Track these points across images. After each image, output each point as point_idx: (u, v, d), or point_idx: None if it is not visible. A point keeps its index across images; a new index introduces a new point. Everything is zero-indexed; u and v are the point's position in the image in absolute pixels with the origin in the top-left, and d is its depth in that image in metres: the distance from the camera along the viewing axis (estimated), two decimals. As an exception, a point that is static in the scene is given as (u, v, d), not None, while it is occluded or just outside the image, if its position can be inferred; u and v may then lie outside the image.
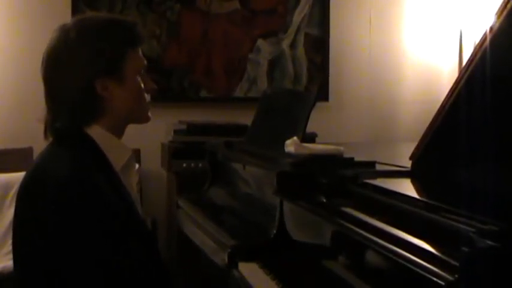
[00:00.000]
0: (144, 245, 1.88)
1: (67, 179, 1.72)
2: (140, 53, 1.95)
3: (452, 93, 1.90)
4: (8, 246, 3.84)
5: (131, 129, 2.00)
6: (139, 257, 1.82)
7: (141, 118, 1.98)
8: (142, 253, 1.84)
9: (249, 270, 2.20)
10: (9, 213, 3.94)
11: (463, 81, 1.87)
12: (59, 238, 1.68)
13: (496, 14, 1.79)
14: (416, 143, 2.04)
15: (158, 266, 1.89)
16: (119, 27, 1.92)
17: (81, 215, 1.69)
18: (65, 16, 4.55)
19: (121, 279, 1.73)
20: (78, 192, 1.70)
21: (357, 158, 2.34)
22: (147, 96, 1.97)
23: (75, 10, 4.58)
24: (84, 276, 1.69)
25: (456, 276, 1.31)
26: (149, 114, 1.98)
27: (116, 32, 1.90)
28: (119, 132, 1.92)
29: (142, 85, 1.93)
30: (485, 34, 1.79)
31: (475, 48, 1.85)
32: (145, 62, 1.96)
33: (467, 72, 1.86)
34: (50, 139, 1.90)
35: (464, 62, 4.72)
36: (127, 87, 1.88)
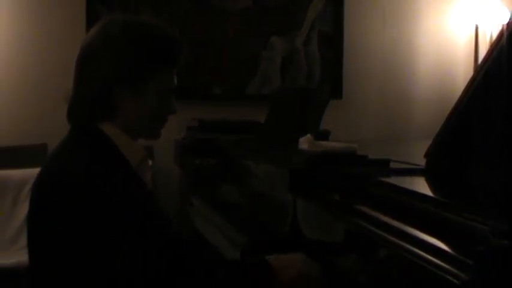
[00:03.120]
0: (171, 237, 1.86)
1: (89, 175, 1.71)
2: (174, 74, 1.90)
3: (468, 90, 1.89)
4: (22, 241, 3.87)
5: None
6: (167, 249, 1.80)
7: (148, 136, 1.94)
8: (169, 245, 1.82)
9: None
10: (23, 209, 3.97)
11: (479, 78, 1.85)
12: (83, 235, 1.67)
13: (513, 11, 1.78)
14: (431, 141, 2.03)
15: (183, 258, 1.87)
16: (163, 42, 1.86)
17: (105, 211, 1.68)
18: (79, 13, 4.57)
19: (148, 273, 1.71)
20: (101, 189, 1.69)
21: (371, 156, 2.33)
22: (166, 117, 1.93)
23: (89, 6, 4.60)
24: (109, 272, 1.68)
25: (471, 275, 1.30)
26: (160, 132, 1.95)
27: (157, 47, 1.85)
28: (131, 136, 1.89)
29: (162, 104, 1.88)
30: (501, 31, 1.78)
31: (491, 45, 1.83)
32: (174, 84, 1.91)
33: (483, 70, 1.85)
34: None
35: (480, 58, 4.72)
36: (143, 103, 1.85)
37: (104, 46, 1.82)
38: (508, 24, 1.78)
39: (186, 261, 1.82)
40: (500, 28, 1.79)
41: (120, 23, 1.85)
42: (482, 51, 4.89)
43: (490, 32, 4.92)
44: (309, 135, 2.50)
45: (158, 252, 1.75)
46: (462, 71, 5.14)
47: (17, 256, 3.77)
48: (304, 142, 2.48)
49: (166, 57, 1.88)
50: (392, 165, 2.27)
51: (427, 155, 2.04)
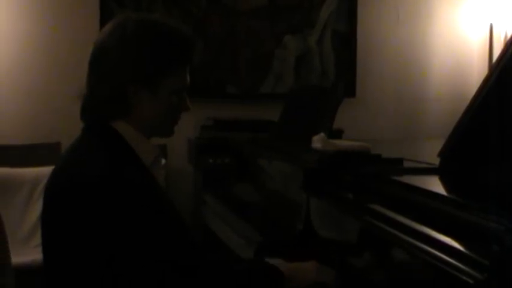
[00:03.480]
0: (183, 236, 1.86)
1: (105, 174, 1.71)
2: (187, 73, 1.90)
3: (482, 89, 1.88)
4: (37, 239, 3.88)
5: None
6: (181, 246, 1.80)
7: (162, 134, 1.94)
8: (183, 242, 1.83)
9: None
10: (38, 207, 3.98)
11: (493, 77, 1.85)
12: (101, 233, 1.67)
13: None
14: (445, 140, 2.02)
15: (197, 254, 1.87)
16: (177, 41, 1.86)
17: (123, 209, 1.68)
18: (92, 11, 4.59)
19: (162, 273, 1.71)
20: (117, 187, 1.69)
21: (384, 155, 2.33)
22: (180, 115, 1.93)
23: (102, 4, 4.61)
24: (126, 271, 1.68)
25: (486, 274, 1.30)
26: (173, 129, 1.95)
27: (171, 46, 1.84)
28: (145, 134, 1.89)
29: (176, 102, 1.88)
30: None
31: (506, 44, 1.82)
32: (188, 83, 1.90)
33: (498, 69, 1.84)
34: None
35: (494, 57, 4.69)
36: (157, 101, 1.84)
37: (118, 45, 1.82)
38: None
39: (199, 262, 1.82)
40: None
41: (135, 22, 1.85)
42: (497, 50, 4.86)
43: (505, 31, 4.89)
44: (322, 134, 2.50)
45: (172, 251, 1.74)
46: (476, 70, 5.12)
47: (32, 254, 3.78)
48: (318, 141, 2.48)
49: (181, 56, 1.88)
50: (406, 164, 2.26)
51: (440, 154, 2.03)
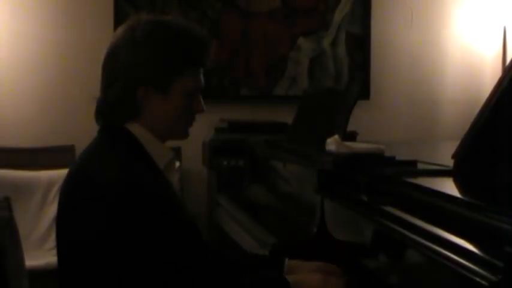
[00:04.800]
0: (194, 238, 1.87)
1: (121, 176, 1.72)
2: (200, 74, 1.90)
3: (496, 91, 1.88)
4: (51, 242, 3.90)
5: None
6: (191, 250, 1.81)
7: (176, 136, 1.94)
8: (193, 246, 1.83)
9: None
10: (52, 210, 4.00)
11: (506, 79, 1.84)
12: (116, 235, 1.68)
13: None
14: (459, 142, 2.01)
15: (207, 257, 1.88)
16: (188, 42, 1.86)
17: (139, 211, 1.69)
18: (107, 14, 4.60)
19: (176, 273, 1.72)
20: (134, 189, 1.70)
21: (398, 157, 2.32)
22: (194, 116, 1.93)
23: (117, 7, 4.63)
24: (139, 273, 1.69)
25: (499, 276, 1.29)
26: (188, 131, 1.95)
27: (181, 47, 1.85)
28: (159, 137, 1.90)
29: (188, 103, 1.88)
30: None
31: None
32: (201, 84, 1.90)
33: (511, 71, 1.84)
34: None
35: (507, 59, 4.67)
36: (169, 102, 1.85)
37: (128, 47, 1.83)
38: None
39: (206, 266, 1.83)
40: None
41: (145, 24, 1.86)
42: (510, 53, 4.85)
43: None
44: (336, 136, 2.49)
45: (177, 254, 1.75)
46: (490, 73, 5.10)
47: (46, 257, 3.79)
48: (332, 143, 2.48)
49: (193, 57, 1.88)
50: (420, 166, 2.26)
51: (454, 156, 2.03)
